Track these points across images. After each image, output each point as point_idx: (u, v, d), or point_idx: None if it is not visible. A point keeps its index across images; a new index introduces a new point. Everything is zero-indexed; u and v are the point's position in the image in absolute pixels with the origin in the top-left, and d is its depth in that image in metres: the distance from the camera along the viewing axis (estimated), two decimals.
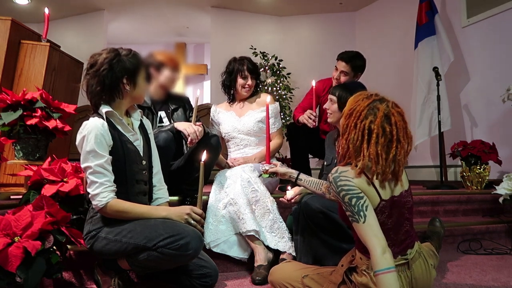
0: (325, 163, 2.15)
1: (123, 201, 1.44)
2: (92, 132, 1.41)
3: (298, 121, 2.55)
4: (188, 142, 1.94)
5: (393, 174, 1.27)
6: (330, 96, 1.94)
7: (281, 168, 1.75)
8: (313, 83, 2.46)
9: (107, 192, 1.41)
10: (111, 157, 1.44)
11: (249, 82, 2.32)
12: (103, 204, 1.40)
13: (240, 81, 2.33)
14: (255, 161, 2.25)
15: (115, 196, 1.43)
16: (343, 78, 2.63)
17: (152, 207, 1.53)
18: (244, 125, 2.32)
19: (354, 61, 2.63)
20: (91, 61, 1.50)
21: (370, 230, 1.19)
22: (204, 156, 1.57)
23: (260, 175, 1.79)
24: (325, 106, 1.96)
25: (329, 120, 1.97)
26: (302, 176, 1.73)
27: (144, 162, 1.57)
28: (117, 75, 1.47)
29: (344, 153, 1.31)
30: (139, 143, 1.57)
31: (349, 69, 2.62)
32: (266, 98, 2.35)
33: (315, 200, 1.76)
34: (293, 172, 1.74)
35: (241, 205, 1.92)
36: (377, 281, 1.17)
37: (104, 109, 1.49)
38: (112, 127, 1.48)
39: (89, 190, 1.42)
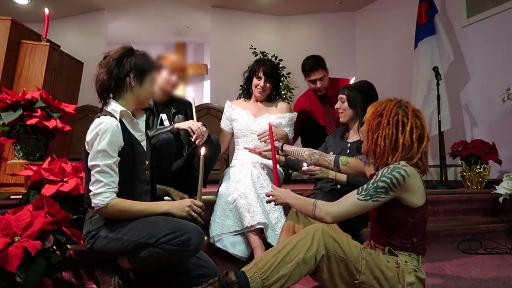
0: (331, 153, 2.19)
1: (124, 200, 1.43)
2: (107, 132, 1.40)
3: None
4: (193, 139, 1.92)
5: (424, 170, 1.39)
6: (340, 96, 2.05)
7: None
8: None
9: (110, 193, 1.40)
10: (119, 158, 1.44)
11: (262, 83, 2.32)
12: (104, 204, 1.39)
13: (254, 81, 2.36)
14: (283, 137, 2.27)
15: (116, 197, 1.42)
16: (324, 83, 2.81)
17: (152, 203, 1.52)
18: (259, 125, 2.32)
19: (318, 63, 2.78)
20: (105, 54, 1.53)
21: None
22: (203, 150, 1.59)
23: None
24: (336, 106, 2.05)
25: (341, 119, 2.09)
26: (286, 147, 1.97)
27: (147, 162, 1.58)
28: (125, 67, 1.49)
29: (381, 151, 1.36)
30: (145, 144, 1.59)
31: (321, 71, 2.78)
32: (284, 106, 2.41)
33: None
34: (278, 146, 1.97)
35: (252, 198, 1.95)
36: None
37: (117, 107, 1.48)
38: (123, 127, 1.48)
39: (91, 187, 1.41)
